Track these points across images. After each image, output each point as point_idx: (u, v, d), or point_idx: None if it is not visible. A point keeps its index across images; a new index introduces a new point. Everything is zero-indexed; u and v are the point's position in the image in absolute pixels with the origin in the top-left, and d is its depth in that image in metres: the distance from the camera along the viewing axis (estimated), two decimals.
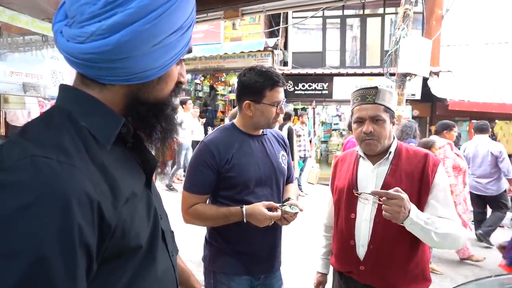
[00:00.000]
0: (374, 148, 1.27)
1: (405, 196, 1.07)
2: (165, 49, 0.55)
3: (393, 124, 1.30)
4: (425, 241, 1.13)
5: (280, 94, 1.32)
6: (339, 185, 1.38)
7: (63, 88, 0.57)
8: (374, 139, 1.25)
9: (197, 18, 2.41)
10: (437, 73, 7.40)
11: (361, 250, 1.25)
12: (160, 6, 0.51)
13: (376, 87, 1.27)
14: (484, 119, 4.65)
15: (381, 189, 1.21)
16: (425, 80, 7.04)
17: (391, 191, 1.08)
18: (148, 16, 0.50)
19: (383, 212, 1.08)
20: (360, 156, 1.34)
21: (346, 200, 1.31)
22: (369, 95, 1.26)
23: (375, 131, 1.24)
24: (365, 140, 1.26)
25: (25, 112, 3.90)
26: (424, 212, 1.16)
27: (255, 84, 1.29)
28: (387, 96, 1.26)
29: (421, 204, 1.18)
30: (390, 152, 1.27)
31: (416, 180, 1.20)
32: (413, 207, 1.10)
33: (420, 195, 1.19)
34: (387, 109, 1.26)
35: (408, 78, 5.50)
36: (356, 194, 1.27)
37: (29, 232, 0.40)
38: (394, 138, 1.31)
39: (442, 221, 1.13)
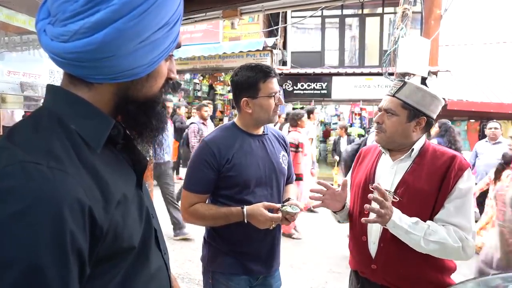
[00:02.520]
0: (379, 140, 1.26)
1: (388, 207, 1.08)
2: (152, 45, 0.53)
3: (419, 125, 1.21)
4: (415, 248, 1.09)
5: (274, 84, 1.31)
6: (357, 179, 1.35)
7: (51, 88, 0.55)
8: (381, 131, 1.24)
9: (195, 17, 2.41)
10: (435, 73, 7.41)
11: (373, 247, 1.22)
12: (144, 1, 0.49)
13: (403, 81, 1.23)
14: (482, 119, 4.68)
15: (397, 186, 1.19)
16: (423, 79, 7.05)
17: (374, 195, 1.07)
18: (133, 13, 0.49)
19: (374, 215, 1.07)
20: (382, 151, 1.32)
21: (361, 194, 1.28)
22: (394, 87, 1.23)
23: (384, 124, 1.22)
24: (375, 129, 1.28)
25: (8, 111, 3.86)
26: (437, 215, 1.13)
27: (248, 80, 1.29)
28: (413, 93, 1.19)
29: (437, 206, 1.13)
30: (413, 149, 1.21)
31: (436, 182, 1.13)
32: (396, 211, 1.09)
33: (438, 197, 1.13)
34: (407, 106, 1.19)
35: (406, 77, 5.51)
36: (372, 189, 1.23)
37: (21, 240, 0.40)
38: (421, 137, 1.25)
39: (437, 228, 1.09)
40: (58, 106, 0.53)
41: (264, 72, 1.29)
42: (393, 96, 1.21)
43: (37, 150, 0.45)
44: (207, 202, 1.36)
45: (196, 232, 3.69)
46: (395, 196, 1.17)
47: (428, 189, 1.14)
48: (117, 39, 0.49)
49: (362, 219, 1.11)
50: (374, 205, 1.10)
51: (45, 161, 0.44)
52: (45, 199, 0.41)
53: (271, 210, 1.26)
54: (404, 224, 1.07)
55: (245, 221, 1.24)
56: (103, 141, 0.54)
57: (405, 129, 1.21)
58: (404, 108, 1.20)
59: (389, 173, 1.24)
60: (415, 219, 1.10)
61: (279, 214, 1.25)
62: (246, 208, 1.24)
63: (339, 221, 1.41)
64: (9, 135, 0.49)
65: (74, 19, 0.48)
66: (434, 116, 1.24)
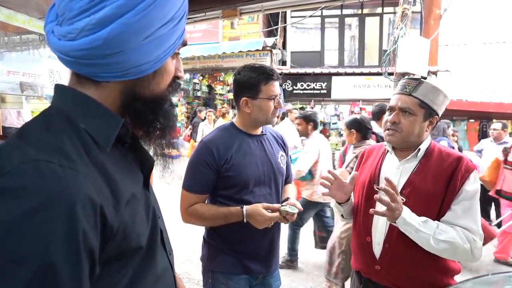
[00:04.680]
0: (394, 140, 1.21)
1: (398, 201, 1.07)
2: (158, 41, 0.54)
3: (431, 125, 1.21)
4: (425, 247, 1.08)
5: (276, 87, 1.31)
6: (361, 178, 1.33)
7: (59, 88, 0.56)
8: (397, 130, 1.19)
9: (195, 17, 2.41)
10: (435, 73, 7.41)
11: (377, 248, 1.20)
12: None
13: (419, 79, 1.20)
14: (482, 119, 4.67)
15: (403, 187, 1.17)
16: (423, 79, 7.04)
17: (385, 186, 1.06)
18: (137, 7, 0.49)
19: (384, 209, 1.06)
20: (387, 150, 1.29)
21: (366, 194, 1.26)
22: (408, 86, 1.20)
23: (401, 123, 1.18)
24: (387, 129, 1.22)
25: (13, 111, 3.86)
26: (444, 217, 1.11)
27: (250, 80, 1.29)
28: (430, 92, 1.18)
29: (443, 208, 1.12)
30: (419, 149, 1.19)
31: (442, 183, 1.12)
32: (406, 209, 1.08)
33: (444, 199, 1.12)
34: (424, 105, 1.17)
35: (406, 77, 5.51)
36: (377, 189, 1.21)
37: (34, 238, 0.40)
38: (428, 138, 1.24)
39: (446, 228, 1.07)
40: (67, 105, 0.53)
41: (267, 74, 1.29)
42: (410, 95, 1.18)
43: (49, 148, 0.46)
44: (206, 202, 1.36)
45: (196, 232, 3.69)
46: (401, 197, 1.15)
47: (435, 190, 1.13)
48: (122, 34, 0.49)
49: (371, 210, 1.09)
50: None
51: (57, 159, 0.44)
52: (57, 197, 0.42)
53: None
54: (414, 222, 1.06)
55: (245, 220, 1.24)
56: (112, 140, 0.54)
57: (420, 128, 1.19)
58: (421, 107, 1.18)
59: (395, 174, 1.22)
60: (424, 218, 1.09)
61: (277, 213, 1.25)
62: (245, 208, 1.25)
63: (342, 216, 1.39)
64: (20, 134, 0.49)
65: (81, 17, 0.49)
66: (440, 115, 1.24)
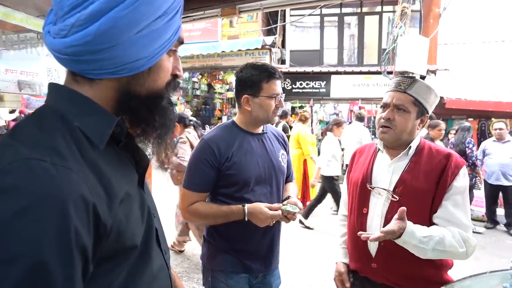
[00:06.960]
0: (388, 137, 1.22)
1: (401, 224, 1.04)
2: (151, 36, 0.53)
3: (422, 123, 1.22)
4: (420, 256, 1.08)
5: (277, 86, 1.31)
6: (353, 178, 1.34)
7: (53, 87, 0.56)
8: (391, 127, 1.20)
9: (194, 16, 2.40)
10: (434, 71, 7.41)
11: (373, 246, 1.21)
12: None
13: (413, 77, 1.22)
14: (481, 117, 4.69)
15: (396, 185, 1.17)
16: (422, 78, 7.06)
17: (394, 223, 1.04)
18: (126, 1, 0.49)
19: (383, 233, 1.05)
20: (378, 149, 1.30)
21: (359, 194, 1.27)
22: (403, 83, 1.21)
23: (395, 120, 1.19)
24: (381, 126, 1.23)
25: None
26: (436, 213, 1.12)
27: (252, 78, 1.29)
28: (423, 90, 1.20)
29: (434, 204, 1.13)
30: (410, 147, 1.21)
31: (434, 180, 1.13)
32: (409, 226, 1.05)
33: (435, 196, 1.13)
34: (417, 103, 1.19)
35: (399, 75, 5.51)
36: (370, 188, 1.23)
37: (26, 237, 0.39)
38: (418, 136, 1.25)
39: (444, 237, 1.07)
40: (60, 104, 0.53)
41: (269, 73, 1.29)
42: (405, 92, 1.20)
43: (41, 147, 0.45)
44: (206, 200, 1.36)
45: None
46: (394, 195, 1.16)
47: (426, 187, 1.14)
48: (112, 28, 0.49)
49: (365, 237, 1.06)
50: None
51: (49, 157, 0.44)
52: (49, 196, 0.41)
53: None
54: (413, 240, 1.05)
55: (246, 219, 1.24)
56: (106, 139, 0.54)
57: (413, 126, 1.21)
58: (415, 105, 1.19)
59: (387, 172, 1.23)
60: (428, 232, 1.07)
61: (279, 212, 1.25)
62: (247, 206, 1.25)
63: None
64: (12, 133, 0.49)
65: (72, 13, 0.49)
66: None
